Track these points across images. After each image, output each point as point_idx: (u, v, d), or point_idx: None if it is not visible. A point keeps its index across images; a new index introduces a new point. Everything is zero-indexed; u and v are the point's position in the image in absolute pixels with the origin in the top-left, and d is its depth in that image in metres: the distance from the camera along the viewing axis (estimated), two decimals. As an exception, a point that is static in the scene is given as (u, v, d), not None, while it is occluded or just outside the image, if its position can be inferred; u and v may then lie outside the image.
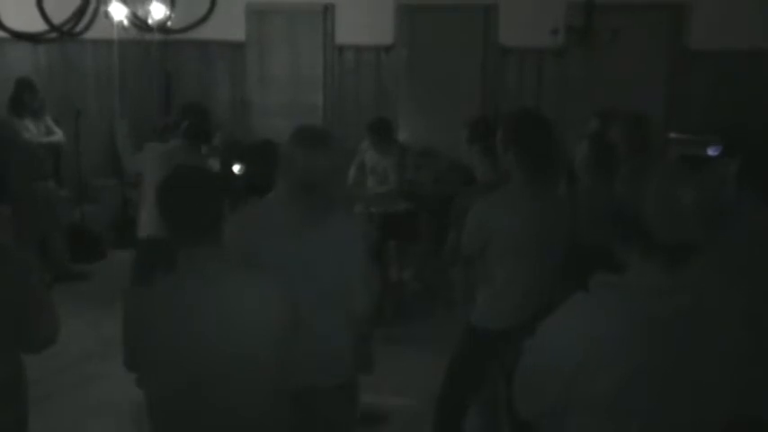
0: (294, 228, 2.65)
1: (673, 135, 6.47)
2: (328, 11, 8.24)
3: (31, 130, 6.35)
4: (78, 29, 2.53)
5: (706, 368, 1.72)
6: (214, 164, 6.77)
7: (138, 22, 3.82)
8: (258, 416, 2.24)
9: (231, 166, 7.38)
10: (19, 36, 2.48)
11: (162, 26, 3.93)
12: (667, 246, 1.68)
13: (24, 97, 6.30)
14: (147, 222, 4.81)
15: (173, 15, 3.89)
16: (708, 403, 1.74)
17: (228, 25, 7.93)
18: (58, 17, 2.70)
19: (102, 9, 2.88)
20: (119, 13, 3.72)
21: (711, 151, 5.74)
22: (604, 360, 1.68)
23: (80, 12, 2.48)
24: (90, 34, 3.03)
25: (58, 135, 6.69)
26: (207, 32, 3.63)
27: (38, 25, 2.64)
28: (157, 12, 4.35)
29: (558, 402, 1.76)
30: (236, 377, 2.14)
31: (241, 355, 2.13)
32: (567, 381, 1.73)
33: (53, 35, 2.48)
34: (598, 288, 1.77)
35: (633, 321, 1.69)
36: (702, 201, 1.68)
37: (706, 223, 1.71)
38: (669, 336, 1.68)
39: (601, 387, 1.68)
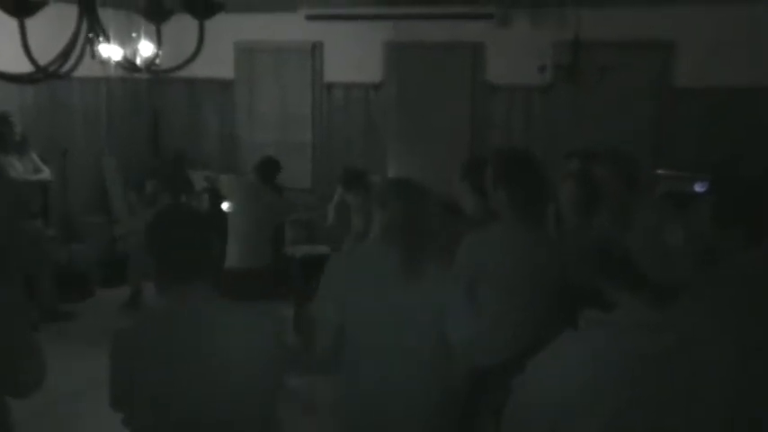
0: (390, 277, 2.64)
1: (660, 171, 6.51)
2: (317, 49, 8.30)
3: (17, 168, 6.31)
4: (64, 69, 2.54)
5: (697, 404, 1.70)
6: (203, 202, 6.78)
7: (126, 64, 3.82)
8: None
9: (220, 203, 7.37)
10: (2, 77, 2.47)
11: (150, 66, 3.93)
12: (656, 283, 1.68)
13: (3, 132, 6.26)
14: (229, 254, 5.20)
15: (160, 53, 3.90)
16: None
17: (217, 63, 7.98)
18: (44, 57, 2.69)
19: (88, 49, 2.88)
20: (107, 50, 3.72)
21: (698, 187, 5.76)
22: (593, 399, 1.67)
23: (66, 53, 2.48)
24: (77, 72, 3.02)
25: (45, 173, 6.67)
26: (195, 70, 3.64)
27: (23, 65, 2.63)
28: (146, 50, 4.36)
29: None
30: (224, 418, 2.11)
31: (228, 396, 2.11)
32: (556, 419, 1.71)
33: (39, 76, 2.47)
34: (587, 326, 1.76)
35: (622, 360, 1.68)
36: (689, 238, 1.67)
37: (693, 260, 1.70)
38: (659, 373, 1.67)
39: (590, 426, 1.67)
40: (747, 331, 2.36)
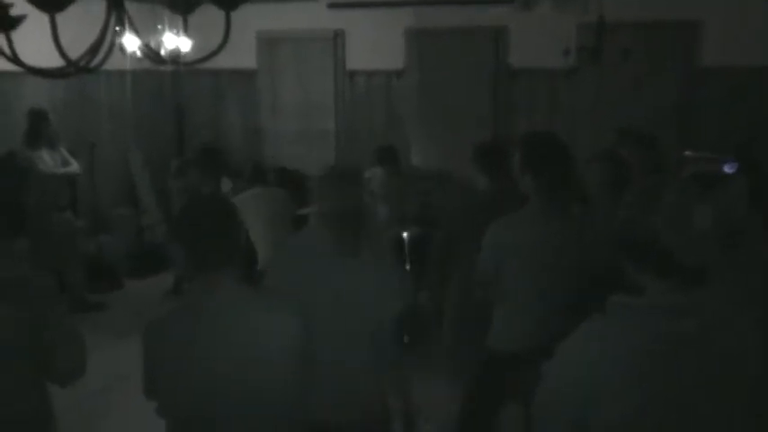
0: (329, 261, 2.70)
1: (687, 153, 6.45)
2: (338, 37, 8.30)
3: (47, 162, 6.39)
4: (94, 63, 2.56)
5: (718, 388, 1.70)
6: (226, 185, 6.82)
7: (151, 54, 3.85)
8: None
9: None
10: (35, 72, 2.50)
11: (176, 57, 3.96)
12: (683, 266, 1.67)
13: (39, 128, 6.35)
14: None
15: (187, 44, 3.93)
16: (724, 426, 1.72)
17: (240, 54, 7.99)
18: (72, 51, 2.73)
19: (116, 42, 2.91)
20: (132, 44, 3.75)
21: (727, 168, 5.70)
22: (619, 385, 1.67)
23: (95, 47, 2.51)
24: (103, 65, 3.06)
25: (74, 166, 6.75)
26: (218, 61, 3.66)
27: (53, 60, 2.67)
28: (170, 43, 4.39)
29: (578, 426, 1.75)
30: (253, 405, 2.13)
31: (258, 383, 2.13)
32: (583, 405, 1.72)
33: (70, 70, 2.50)
34: (614, 311, 1.76)
35: (647, 345, 1.67)
36: (718, 220, 1.67)
37: (722, 242, 1.69)
38: (685, 359, 1.67)
39: (617, 411, 1.67)
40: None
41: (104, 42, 2.64)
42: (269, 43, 8.64)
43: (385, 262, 2.85)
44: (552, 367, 1.83)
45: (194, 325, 2.14)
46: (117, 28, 2.93)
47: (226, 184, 6.75)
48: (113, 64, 3.40)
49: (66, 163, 6.67)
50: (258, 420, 2.17)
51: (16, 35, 2.57)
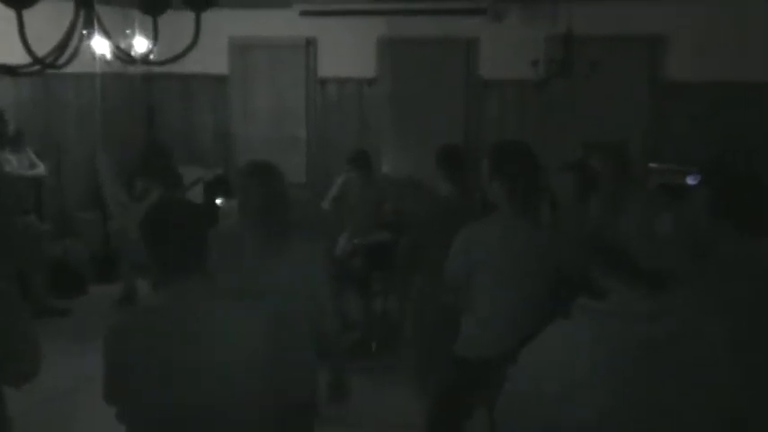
0: (252, 254, 2.79)
1: (653, 165, 6.54)
2: (311, 44, 8.31)
3: (13, 164, 6.30)
4: (61, 62, 2.53)
5: (687, 395, 1.71)
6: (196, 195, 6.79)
7: (122, 55, 3.83)
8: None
9: (215, 198, 7.40)
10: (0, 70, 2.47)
11: (145, 59, 3.94)
12: (648, 272, 1.69)
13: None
14: None
15: (155, 49, 3.90)
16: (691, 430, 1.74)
17: (211, 59, 7.96)
18: (39, 49, 2.70)
19: (84, 43, 2.89)
20: (101, 47, 3.73)
21: (690, 180, 5.80)
22: (585, 387, 1.68)
23: (62, 45, 2.48)
24: (72, 68, 3.01)
25: (41, 168, 6.66)
26: (190, 66, 3.65)
27: (18, 57, 2.63)
28: (140, 46, 4.37)
29: (544, 429, 1.75)
30: (220, 409, 2.12)
31: (225, 387, 2.11)
32: (549, 408, 1.72)
33: (35, 68, 2.47)
34: (580, 314, 1.77)
35: (613, 349, 1.69)
36: (682, 228, 1.69)
37: (686, 250, 1.72)
38: (655, 364, 1.68)
39: (583, 414, 1.68)
40: (739, 323, 2.38)
41: (71, 41, 2.61)
42: (241, 49, 8.61)
43: (306, 257, 2.91)
44: (518, 370, 1.84)
45: (160, 329, 2.12)
46: (85, 31, 2.89)
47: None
48: (83, 66, 3.37)
49: (33, 165, 6.58)
50: (225, 424, 2.15)
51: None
